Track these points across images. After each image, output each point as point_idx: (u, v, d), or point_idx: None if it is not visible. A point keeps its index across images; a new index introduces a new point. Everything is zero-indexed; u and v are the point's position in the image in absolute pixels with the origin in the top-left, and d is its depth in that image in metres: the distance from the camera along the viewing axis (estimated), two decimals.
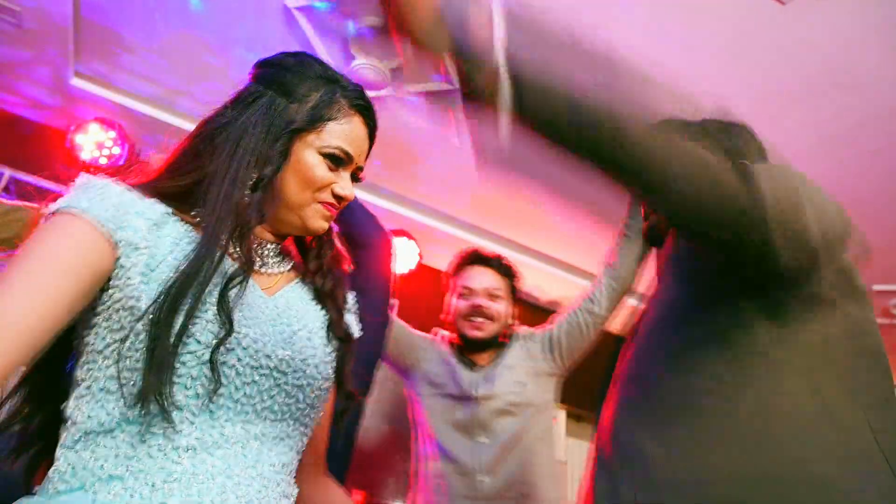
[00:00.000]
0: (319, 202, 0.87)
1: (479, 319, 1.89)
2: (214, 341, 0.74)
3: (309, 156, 0.85)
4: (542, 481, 1.78)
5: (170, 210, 0.81)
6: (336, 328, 0.90)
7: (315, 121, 0.86)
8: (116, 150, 2.95)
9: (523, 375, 1.86)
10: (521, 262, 4.09)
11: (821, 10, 2.18)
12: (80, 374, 0.74)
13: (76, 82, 2.98)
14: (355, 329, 0.97)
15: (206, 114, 0.89)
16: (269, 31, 2.57)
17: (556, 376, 1.94)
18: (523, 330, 2.00)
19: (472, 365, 1.90)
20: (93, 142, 2.93)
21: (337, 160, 0.88)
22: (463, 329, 1.89)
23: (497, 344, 1.92)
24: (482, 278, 1.94)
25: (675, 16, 2.28)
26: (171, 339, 0.71)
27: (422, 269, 3.69)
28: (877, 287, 3.84)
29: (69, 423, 0.73)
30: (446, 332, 2.01)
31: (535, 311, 4.53)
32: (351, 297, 0.99)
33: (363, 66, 2.57)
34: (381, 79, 2.60)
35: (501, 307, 1.92)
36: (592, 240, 3.88)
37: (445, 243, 4.02)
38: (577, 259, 4.17)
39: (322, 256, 0.95)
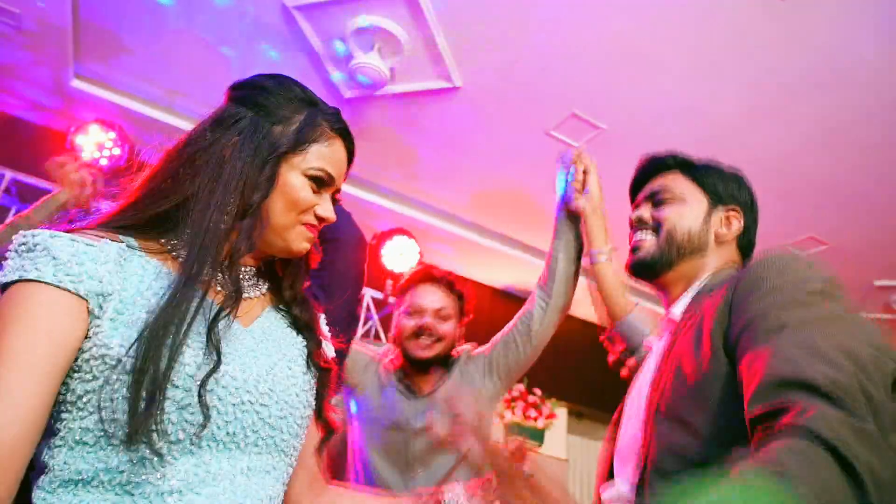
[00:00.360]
0: (302, 224, 0.87)
1: (427, 340, 1.85)
2: (200, 377, 0.72)
3: (294, 178, 0.85)
4: None
5: (129, 244, 0.78)
6: (317, 358, 0.90)
7: (300, 143, 0.85)
8: (116, 151, 2.96)
9: (460, 405, 1.82)
10: (522, 260, 4.10)
11: (820, 4, 2.18)
12: (52, 422, 0.72)
13: (76, 84, 2.99)
14: (331, 354, 0.97)
15: (189, 131, 0.87)
16: (269, 30, 2.58)
17: (496, 399, 1.89)
18: (464, 351, 1.96)
19: (413, 393, 1.86)
20: (93, 143, 2.94)
21: (320, 182, 0.87)
22: (409, 349, 1.85)
23: (442, 365, 1.89)
24: (432, 297, 1.90)
25: (674, 10, 2.29)
26: (159, 378, 0.69)
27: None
28: (878, 283, 3.84)
29: (45, 468, 0.71)
30: (391, 350, 1.98)
31: None
32: (323, 324, 0.99)
33: (362, 65, 2.58)
34: (380, 77, 2.61)
35: (449, 327, 1.88)
36: None
37: (446, 241, 4.03)
38: None
39: (296, 287, 0.93)
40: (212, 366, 0.73)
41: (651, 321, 1.57)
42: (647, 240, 1.18)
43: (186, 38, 2.67)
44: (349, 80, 2.70)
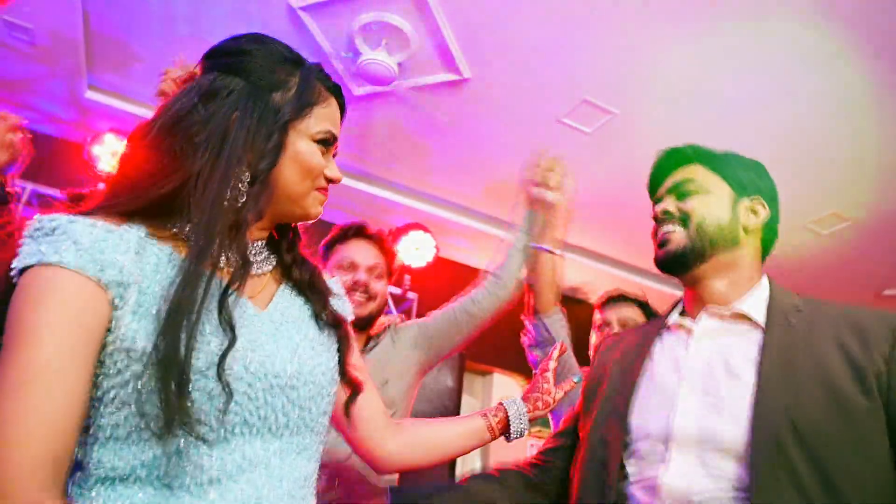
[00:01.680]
0: (316, 189, 0.86)
1: (361, 297, 1.73)
2: (217, 356, 0.70)
3: (304, 145, 0.83)
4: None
5: (145, 231, 0.75)
6: (323, 315, 0.89)
7: (303, 107, 0.83)
8: None
9: (389, 372, 1.74)
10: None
11: None
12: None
13: (90, 95, 3.03)
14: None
15: (160, 109, 0.82)
16: (276, 32, 2.57)
17: (419, 372, 1.80)
18: (395, 319, 1.88)
19: None
20: (109, 152, 2.98)
21: (327, 144, 0.86)
22: None
23: (370, 325, 1.78)
24: (367, 253, 1.78)
25: None
26: (182, 365, 0.67)
27: (439, 261, 3.70)
28: None
29: (80, 466, 0.70)
30: None
31: None
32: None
33: (370, 62, 2.58)
34: (388, 73, 2.61)
35: (382, 286, 1.78)
36: (607, 225, 3.86)
37: (461, 234, 4.03)
38: (593, 244, 4.15)
39: (294, 248, 0.92)
40: (226, 345, 0.70)
41: (564, 331, 1.69)
42: (677, 231, 1.15)
43: (194, 44, 2.68)
44: (358, 77, 2.71)
